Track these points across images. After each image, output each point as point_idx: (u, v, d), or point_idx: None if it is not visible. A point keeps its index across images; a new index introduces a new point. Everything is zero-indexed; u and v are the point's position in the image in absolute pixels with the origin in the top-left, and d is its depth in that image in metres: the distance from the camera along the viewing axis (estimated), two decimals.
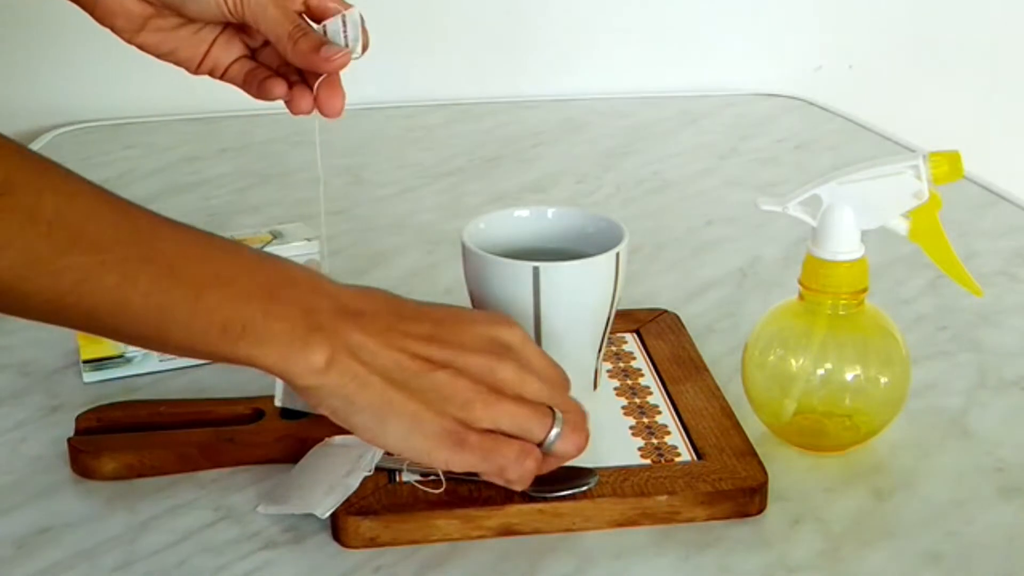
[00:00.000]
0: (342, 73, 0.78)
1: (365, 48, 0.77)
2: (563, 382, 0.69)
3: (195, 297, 0.59)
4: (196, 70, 0.82)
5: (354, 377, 0.62)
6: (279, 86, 0.79)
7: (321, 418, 0.73)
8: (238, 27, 0.81)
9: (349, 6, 0.78)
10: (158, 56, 0.81)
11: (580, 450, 0.68)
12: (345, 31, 0.77)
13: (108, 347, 0.86)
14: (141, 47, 0.80)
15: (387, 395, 0.62)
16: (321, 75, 0.78)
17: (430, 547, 0.68)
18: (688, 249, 1.12)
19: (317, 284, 0.64)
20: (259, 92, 0.80)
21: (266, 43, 0.81)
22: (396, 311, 0.65)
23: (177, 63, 0.81)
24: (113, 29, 0.79)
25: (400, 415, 0.63)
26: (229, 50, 0.81)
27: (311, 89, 0.78)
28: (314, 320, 0.61)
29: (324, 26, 0.77)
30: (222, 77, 0.82)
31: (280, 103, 0.80)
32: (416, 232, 1.16)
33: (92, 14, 0.79)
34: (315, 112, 0.79)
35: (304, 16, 0.78)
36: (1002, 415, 0.82)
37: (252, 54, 0.82)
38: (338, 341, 0.62)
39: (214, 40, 0.80)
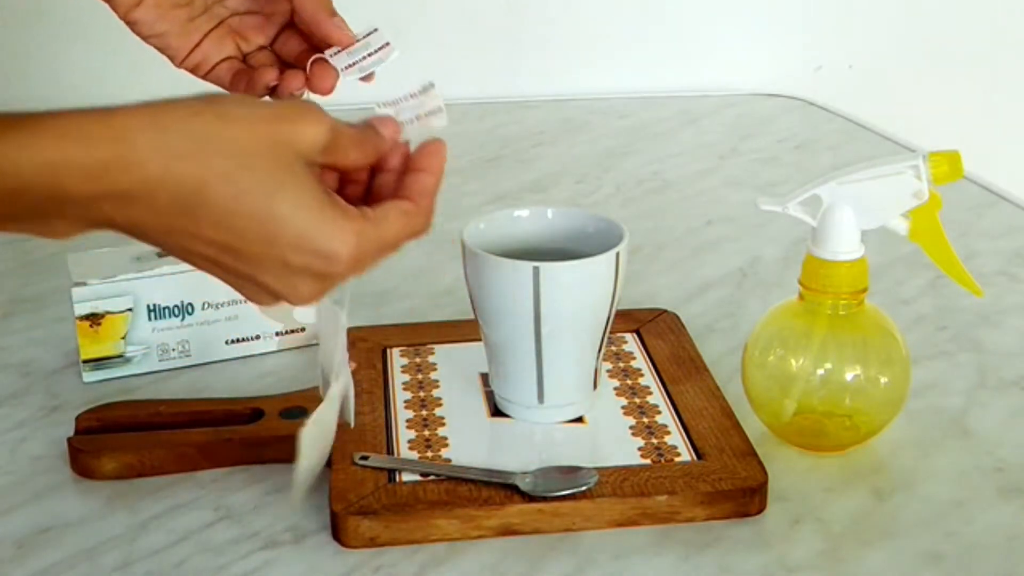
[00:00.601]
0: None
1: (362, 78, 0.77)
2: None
3: None
4: (182, 62, 0.79)
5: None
6: (269, 72, 0.77)
7: None
8: (233, 28, 0.80)
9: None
10: (148, 38, 0.78)
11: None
12: (372, 54, 0.76)
13: (108, 347, 0.86)
14: (134, 24, 0.78)
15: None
16: (311, 58, 0.77)
17: (430, 547, 0.68)
18: (688, 249, 1.12)
19: (64, 199, 0.53)
20: (249, 85, 0.78)
21: (260, 48, 0.81)
22: (186, 218, 0.55)
23: (165, 49, 0.79)
24: (110, 1, 0.77)
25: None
26: (220, 48, 0.80)
27: (303, 71, 0.77)
28: (49, 228, 0.55)
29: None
30: (207, 75, 0.80)
31: None
32: None
33: None
34: (305, 93, 0.78)
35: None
36: (1002, 415, 0.82)
37: (243, 58, 0.81)
38: (92, 228, 0.56)
39: (207, 33, 0.80)
